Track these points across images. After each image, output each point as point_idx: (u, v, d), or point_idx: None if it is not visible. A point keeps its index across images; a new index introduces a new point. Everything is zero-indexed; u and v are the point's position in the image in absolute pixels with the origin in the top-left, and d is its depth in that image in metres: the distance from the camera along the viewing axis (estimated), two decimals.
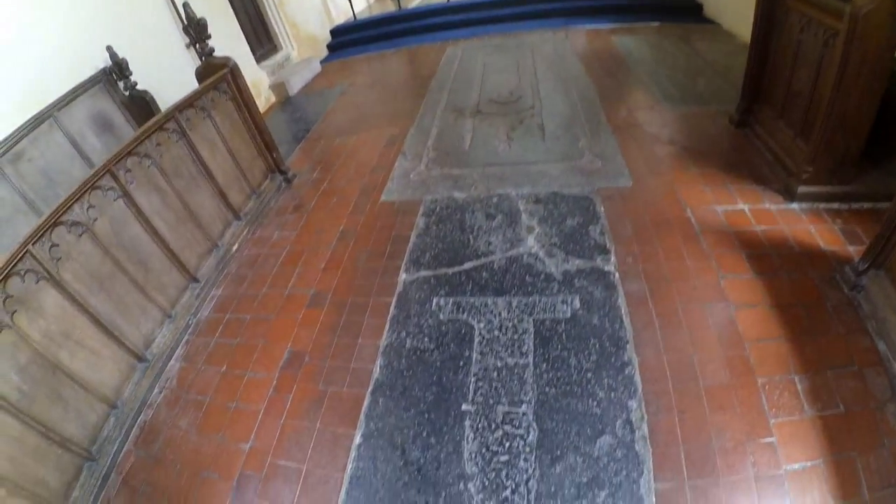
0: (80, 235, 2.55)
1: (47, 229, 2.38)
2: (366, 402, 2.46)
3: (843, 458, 1.97)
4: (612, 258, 3.00)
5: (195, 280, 3.32)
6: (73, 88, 3.99)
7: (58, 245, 2.41)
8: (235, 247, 3.70)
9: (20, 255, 2.22)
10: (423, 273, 3.14)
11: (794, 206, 3.14)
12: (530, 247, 3.18)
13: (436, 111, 5.51)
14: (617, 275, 2.88)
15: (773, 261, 2.81)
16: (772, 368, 2.31)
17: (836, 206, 3.08)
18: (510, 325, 2.69)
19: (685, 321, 2.57)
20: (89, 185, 2.63)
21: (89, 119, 4.10)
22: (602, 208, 3.43)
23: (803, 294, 2.60)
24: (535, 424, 2.25)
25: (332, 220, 3.81)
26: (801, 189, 3.13)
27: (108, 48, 4.21)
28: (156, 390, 2.79)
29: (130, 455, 2.51)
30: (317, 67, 8.03)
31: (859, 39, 2.57)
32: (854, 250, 2.72)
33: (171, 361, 2.94)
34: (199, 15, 3.81)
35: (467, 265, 3.14)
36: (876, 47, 2.58)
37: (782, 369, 2.30)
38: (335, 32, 9.56)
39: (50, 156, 3.73)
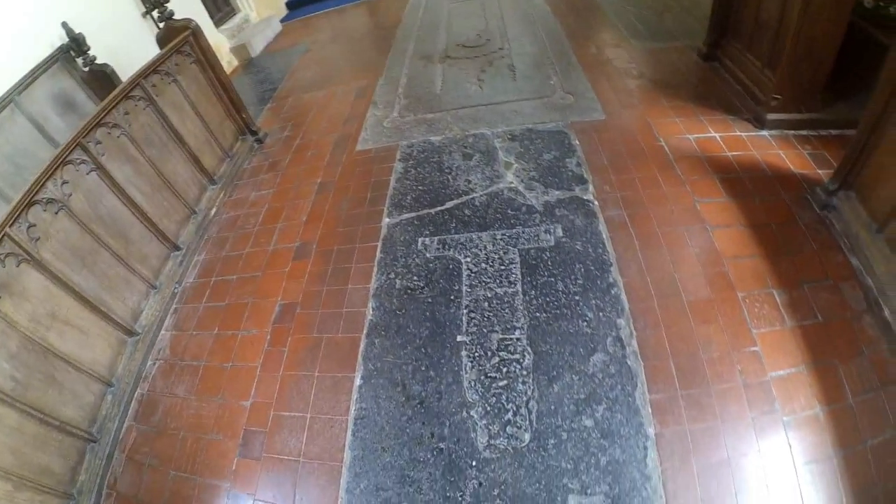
0: (57, 213, 2.49)
1: (23, 209, 2.31)
2: (362, 345, 2.50)
3: (825, 365, 2.08)
4: (591, 188, 3.04)
5: (177, 248, 3.28)
6: (32, 70, 3.82)
7: (35, 225, 2.35)
8: (213, 211, 3.65)
9: None
10: (406, 215, 3.15)
11: (765, 133, 3.20)
12: (509, 182, 3.21)
13: (404, 60, 5.42)
14: (596, 203, 2.93)
15: (745, 184, 2.88)
16: (750, 283, 2.41)
17: (804, 132, 3.14)
18: (496, 256, 2.73)
19: (665, 243, 2.65)
20: (60, 160, 2.55)
21: (51, 99, 3.93)
22: (577, 141, 3.45)
23: (776, 214, 2.68)
24: (529, 348, 2.31)
25: (308, 174, 3.78)
26: (771, 116, 3.18)
27: (64, 24, 4.02)
28: (149, 362, 2.78)
29: (132, 430, 2.51)
30: (277, 27, 7.77)
31: None
32: (824, 174, 2.79)
33: (162, 331, 2.92)
34: None
35: (449, 204, 3.16)
36: None
37: (760, 284, 2.39)
38: None
39: (14, 141, 3.58)
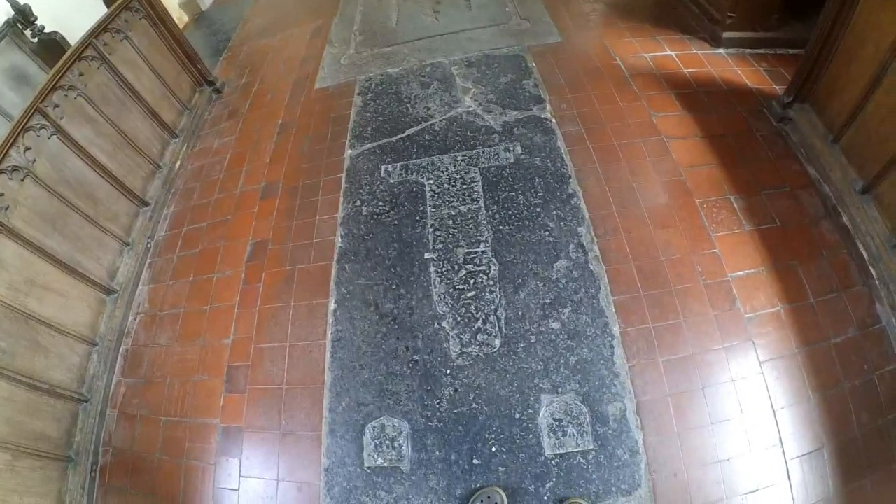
0: (23, 180, 2.46)
1: None
2: (334, 271, 2.57)
3: (784, 267, 2.18)
4: (548, 106, 3.09)
5: (145, 203, 3.26)
6: None
7: (3, 194, 2.33)
8: (178, 164, 3.62)
9: None
10: (368, 146, 3.17)
11: (721, 51, 3.24)
12: (468, 106, 3.24)
13: None
14: (554, 120, 2.99)
15: (701, 98, 2.94)
16: (708, 190, 2.49)
17: (761, 51, 3.19)
18: (458, 177, 2.80)
19: (622, 155, 2.73)
20: (21, 127, 2.51)
21: (3, 75, 3.78)
22: (534, 64, 3.47)
23: (732, 126, 2.76)
24: (494, 259, 2.41)
25: (269, 117, 3.75)
26: (727, 35, 3.21)
27: None
28: (130, 318, 2.81)
29: (121, 385, 2.56)
30: None
31: None
32: (780, 89, 2.83)
33: (139, 286, 2.94)
34: None
35: (409, 131, 3.19)
36: None
37: (718, 191, 2.48)
38: None
39: None
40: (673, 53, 3.32)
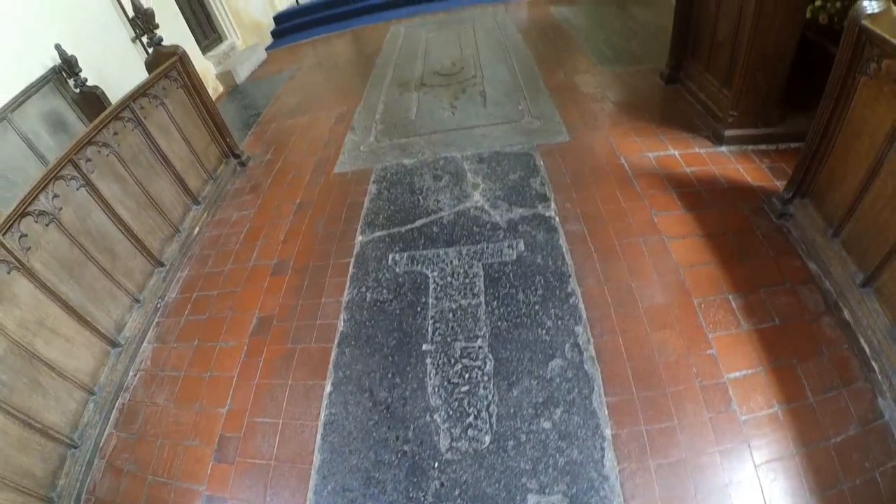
0: (48, 225, 2.59)
1: (16, 219, 2.41)
2: (333, 354, 2.62)
3: (783, 366, 2.16)
4: (553, 205, 3.22)
5: (161, 264, 3.38)
6: (25, 89, 3.96)
7: (27, 235, 2.44)
8: (197, 230, 3.78)
9: None
10: (378, 233, 3.31)
11: (723, 148, 3.36)
12: (476, 201, 3.39)
13: (382, 87, 5.65)
14: (557, 218, 3.11)
15: (703, 197, 3.04)
16: (706, 290, 2.52)
17: (763, 147, 3.30)
18: (461, 270, 2.89)
19: (622, 254, 2.80)
20: (53, 175, 2.66)
21: (42, 118, 4.06)
22: (542, 162, 3.64)
23: (733, 224, 2.82)
24: (490, 355, 2.44)
25: (288, 195, 3.92)
26: (729, 132, 3.34)
27: (57, 46, 4.16)
28: (131, 373, 2.86)
29: (112, 437, 2.57)
30: (263, 54, 8.01)
31: None
32: (781, 185, 2.89)
33: (144, 344, 3.00)
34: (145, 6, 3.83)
35: (418, 222, 3.32)
36: None
37: (716, 290, 2.51)
38: (279, 19, 9.50)
39: (6, 157, 3.70)
40: (676, 152, 3.46)
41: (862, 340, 2.17)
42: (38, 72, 4.12)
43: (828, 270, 2.42)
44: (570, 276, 2.74)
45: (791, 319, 2.32)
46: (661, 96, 4.24)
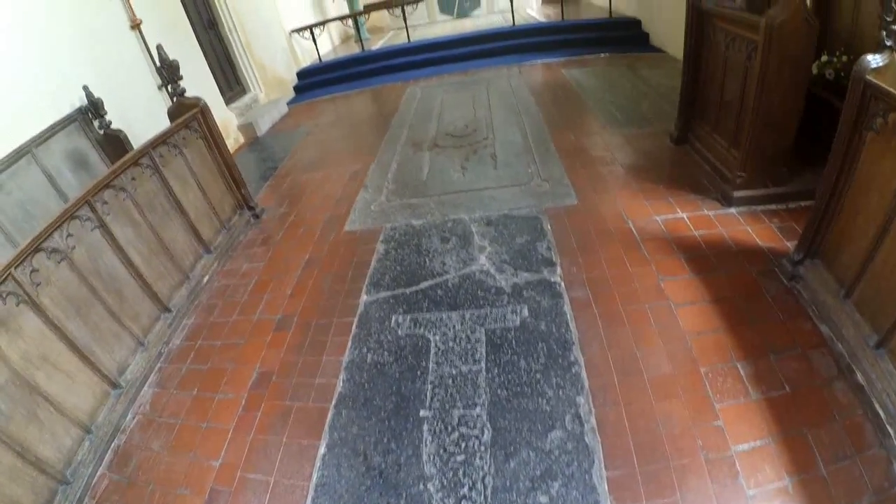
0: (59, 262, 2.65)
1: (29, 254, 2.47)
2: (330, 414, 2.60)
3: (793, 435, 2.08)
4: (558, 270, 3.23)
5: (167, 310, 3.41)
6: (51, 126, 4.11)
7: (38, 270, 2.50)
8: (206, 278, 3.83)
9: (2, 278, 2.30)
10: (383, 294, 3.33)
11: (732, 210, 3.37)
12: (482, 265, 3.41)
13: (396, 146, 5.81)
14: (562, 284, 3.10)
15: (711, 261, 3.02)
16: (714, 358, 2.47)
17: (772, 206, 3.30)
18: (463, 335, 2.88)
19: (627, 321, 2.77)
20: (69, 215, 2.75)
21: (65, 156, 4.20)
22: (549, 226, 3.68)
23: (742, 288, 2.79)
24: (488, 424, 2.40)
25: (298, 251, 3.99)
26: (738, 193, 3.35)
27: (85, 88, 4.35)
28: (129, 416, 2.85)
29: (104, 478, 2.54)
30: (284, 108, 8.30)
31: (776, 46, 2.82)
32: (792, 245, 2.87)
33: (145, 387, 3.01)
34: (171, 57, 4.02)
35: (423, 285, 3.34)
36: (794, 49, 2.83)
37: (724, 358, 2.45)
38: (302, 74, 9.90)
39: (27, 189, 3.80)
40: (684, 215, 3.46)
41: (876, 404, 2.08)
42: (65, 110, 4.29)
43: (840, 333, 2.35)
44: (573, 343, 2.72)
45: (802, 386, 2.25)
46: (670, 157, 4.29)
